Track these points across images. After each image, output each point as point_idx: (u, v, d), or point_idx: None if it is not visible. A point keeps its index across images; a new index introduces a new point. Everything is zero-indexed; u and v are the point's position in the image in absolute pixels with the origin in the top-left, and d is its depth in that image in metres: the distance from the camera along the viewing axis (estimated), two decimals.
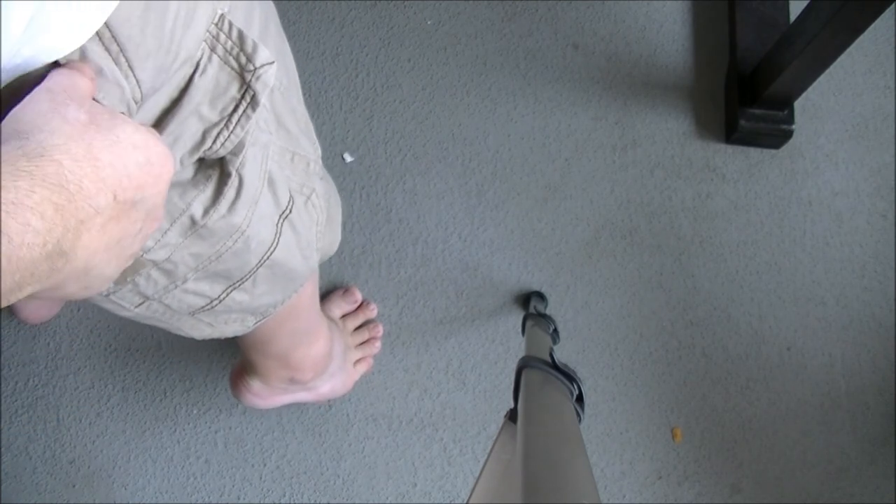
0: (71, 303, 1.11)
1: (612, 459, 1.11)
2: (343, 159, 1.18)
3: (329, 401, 1.10)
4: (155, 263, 0.51)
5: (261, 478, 1.08)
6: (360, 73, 1.23)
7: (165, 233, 0.49)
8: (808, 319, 1.16)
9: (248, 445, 1.09)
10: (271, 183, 0.55)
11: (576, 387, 0.58)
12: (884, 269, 1.18)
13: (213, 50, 0.43)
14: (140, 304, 0.55)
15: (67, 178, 0.29)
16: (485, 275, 1.15)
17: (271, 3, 0.59)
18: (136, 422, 1.10)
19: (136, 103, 0.39)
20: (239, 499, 1.08)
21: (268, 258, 0.59)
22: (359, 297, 1.12)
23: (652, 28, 1.28)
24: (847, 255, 1.19)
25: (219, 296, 0.59)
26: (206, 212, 0.49)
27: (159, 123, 0.43)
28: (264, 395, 0.99)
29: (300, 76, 0.65)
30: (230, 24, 0.44)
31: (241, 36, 0.44)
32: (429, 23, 1.26)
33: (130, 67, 0.37)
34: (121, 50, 0.36)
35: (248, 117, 0.46)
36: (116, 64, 0.36)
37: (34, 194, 0.27)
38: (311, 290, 0.82)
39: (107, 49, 0.36)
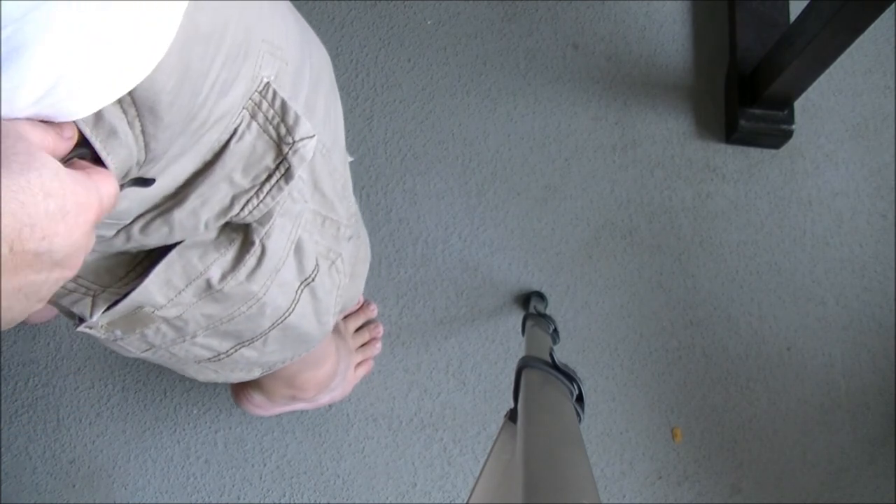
0: None
1: (612, 459, 1.11)
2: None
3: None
4: (165, 319, 0.50)
5: (261, 478, 1.08)
6: (360, 73, 1.23)
7: (180, 292, 0.48)
8: (808, 319, 1.16)
9: (248, 445, 1.09)
10: (298, 250, 0.54)
11: (576, 387, 0.58)
12: (884, 269, 1.18)
13: (253, 117, 0.42)
14: (146, 351, 0.54)
15: None
16: (485, 275, 1.15)
17: (326, 60, 0.56)
18: (136, 422, 1.10)
19: (138, 166, 0.37)
20: (239, 499, 1.08)
21: (281, 322, 0.57)
22: (360, 298, 1.12)
23: (652, 28, 1.28)
24: (847, 255, 1.19)
25: (227, 351, 0.58)
26: (223, 277, 0.48)
27: (189, 184, 0.42)
28: (266, 407, 1.00)
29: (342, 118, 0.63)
30: (274, 93, 0.42)
31: (283, 106, 0.43)
32: (429, 23, 1.26)
33: (143, 133, 0.35)
34: (138, 115, 0.34)
35: (280, 189, 0.45)
36: (131, 128, 0.35)
37: None
38: None
39: (124, 112, 0.34)
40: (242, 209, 0.44)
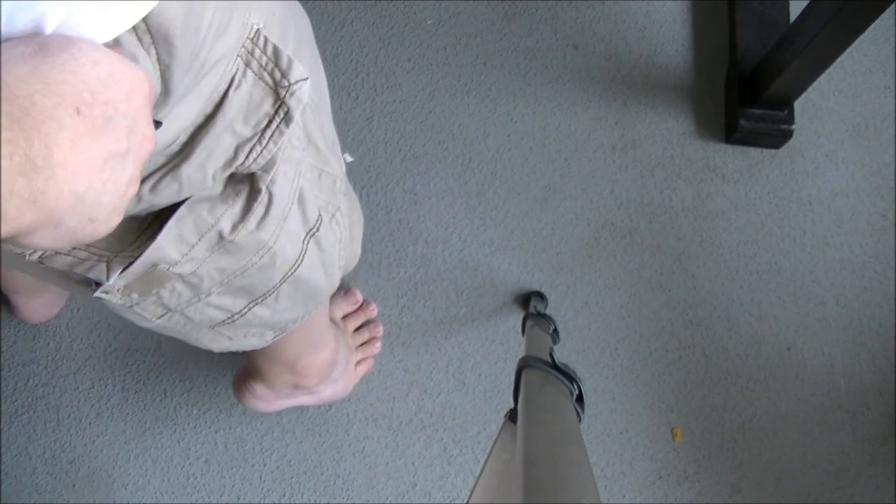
0: (71, 303, 1.11)
1: (612, 459, 1.11)
2: (343, 159, 1.18)
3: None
4: (180, 276, 0.50)
5: (261, 478, 1.08)
6: (360, 73, 1.23)
7: (193, 247, 0.49)
8: (808, 319, 1.16)
9: (248, 445, 1.09)
10: (301, 200, 0.55)
11: (576, 387, 0.58)
12: (884, 269, 1.18)
13: (247, 65, 0.43)
14: (162, 316, 0.55)
15: (16, 94, 0.27)
16: (485, 275, 1.15)
17: (306, 20, 0.58)
18: (136, 422, 1.10)
19: (154, 103, 0.38)
20: (239, 499, 1.08)
21: (292, 275, 0.58)
22: (359, 297, 1.12)
23: (652, 28, 1.28)
24: (847, 255, 1.19)
25: (240, 310, 0.59)
26: (234, 227, 0.49)
27: (193, 139, 0.42)
28: (268, 399, 0.99)
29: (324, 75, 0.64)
30: (265, 40, 0.43)
31: (276, 51, 0.44)
32: (429, 23, 1.26)
33: (159, 62, 0.36)
34: (153, 43, 0.36)
35: (281, 133, 0.46)
36: (148, 55, 0.36)
37: None
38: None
39: (139, 39, 0.35)
40: (247, 157, 0.45)
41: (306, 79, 0.45)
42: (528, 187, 1.19)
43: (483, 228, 1.17)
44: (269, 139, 0.45)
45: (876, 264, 1.19)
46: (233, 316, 0.59)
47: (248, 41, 0.43)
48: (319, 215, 0.59)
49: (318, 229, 0.59)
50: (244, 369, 0.98)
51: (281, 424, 1.09)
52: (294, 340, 0.83)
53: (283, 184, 0.50)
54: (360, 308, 1.12)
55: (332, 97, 1.21)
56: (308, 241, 0.58)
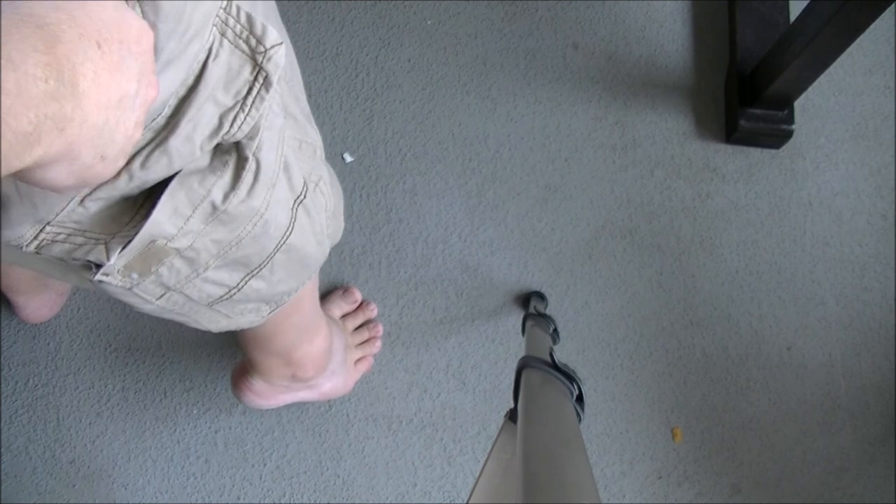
0: (71, 302, 1.11)
1: (612, 459, 1.11)
2: (343, 159, 1.18)
3: (329, 401, 1.10)
4: (178, 252, 0.51)
5: (261, 478, 1.08)
6: (360, 73, 1.23)
7: (188, 219, 0.50)
8: (808, 319, 1.16)
9: (248, 445, 1.09)
10: (286, 168, 0.56)
11: (576, 387, 0.58)
12: (884, 269, 1.18)
13: (223, 35, 0.44)
14: (161, 296, 0.56)
15: (46, 21, 0.28)
16: (485, 275, 1.15)
17: (272, 3, 0.59)
18: (136, 422, 1.10)
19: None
20: (239, 499, 1.08)
21: (284, 243, 0.60)
22: (358, 296, 1.12)
23: (652, 28, 1.28)
24: (847, 255, 1.19)
25: (237, 284, 0.60)
26: (225, 197, 0.50)
27: (178, 111, 0.43)
28: (267, 394, 0.99)
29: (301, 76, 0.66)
30: (238, 8, 0.44)
31: (249, 19, 0.45)
32: (429, 23, 1.26)
33: (144, 18, 0.37)
34: (139, 2, 0.36)
35: (263, 99, 0.46)
36: (133, 9, 0.36)
37: (20, 30, 0.27)
38: (312, 285, 0.82)
39: None
40: (231, 126, 0.46)
41: (281, 43, 0.46)
42: (528, 187, 1.19)
43: (483, 228, 1.17)
44: (252, 106, 0.46)
45: (876, 264, 1.19)
46: (230, 291, 0.60)
47: (222, 11, 0.43)
48: (305, 183, 0.60)
49: (305, 196, 0.60)
50: (241, 366, 0.98)
51: (281, 424, 1.09)
52: (286, 328, 0.83)
53: (268, 150, 0.51)
54: (359, 307, 1.12)
55: (332, 97, 1.21)
56: (297, 209, 0.60)
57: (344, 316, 1.11)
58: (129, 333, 1.11)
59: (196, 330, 1.12)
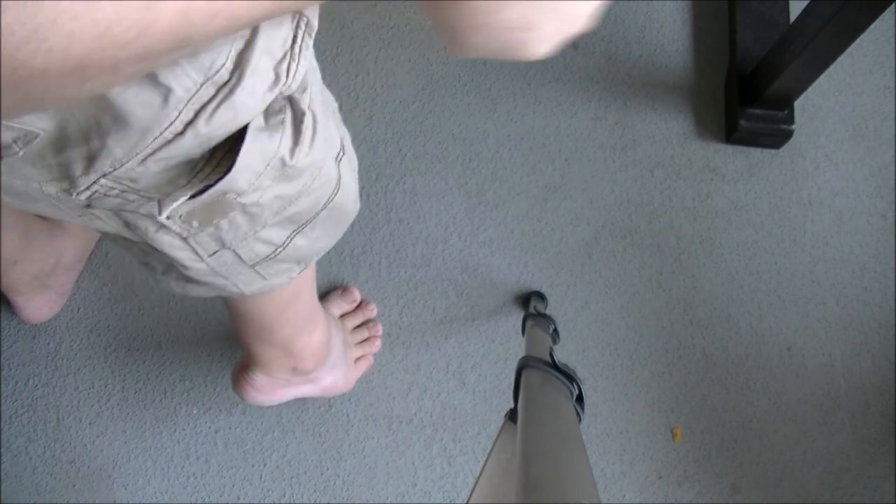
0: (71, 302, 1.11)
1: (612, 459, 1.11)
2: None
3: (329, 400, 1.10)
4: (244, 207, 0.52)
5: (261, 478, 1.08)
6: (360, 73, 1.23)
7: (260, 175, 0.50)
8: (808, 319, 1.16)
9: (248, 445, 1.09)
10: (325, 127, 0.57)
11: (576, 387, 0.58)
12: (884, 269, 1.18)
13: None
14: (214, 253, 0.57)
15: None
16: (485, 275, 1.15)
17: None
18: (136, 422, 1.10)
19: None
20: (239, 499, 1.08)
21: (333, 199, 0.62)
22: (357, 296, 1.12)
23: (652, 28, 1.28)
24: (847, 255, 1.19)
25: (283, 242, 0.61)
26: (292, 152, 0.51)
27: (238, 65, 0.43)
28: (268, 388, 0.98)
29: None
30: None
31: None
32: (429, 23, 1.26)
33: None
34: None
35: (307, 46, 0.47)
36: None
37: None
38: (311, 275, 0.83)
39: None
40: (287, 76, 0.46)
41: None
42: (528, 187, 1.19)
43: (483, 228, 1.17)
44: (300, 53, 0.47)
45: (876, 264, 1.19)
46: (276, 250, 0.62)
47: None
48: (341, 140, 0.62)
49: (344, 152, 0.62)
50: (242, 363, 0.98)
51: (281, 424, 1.09)
52: (286, 318, 0.84)
53: (317, 105, 0.52)
54: (358, 307, 1.12)
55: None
56: (340, 164, 0.61)
57: (343, 315, 1.11)
58: (129, 333, 1.11)
59: (196, 330, 1.13)
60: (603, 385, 1.13)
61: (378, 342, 1.11)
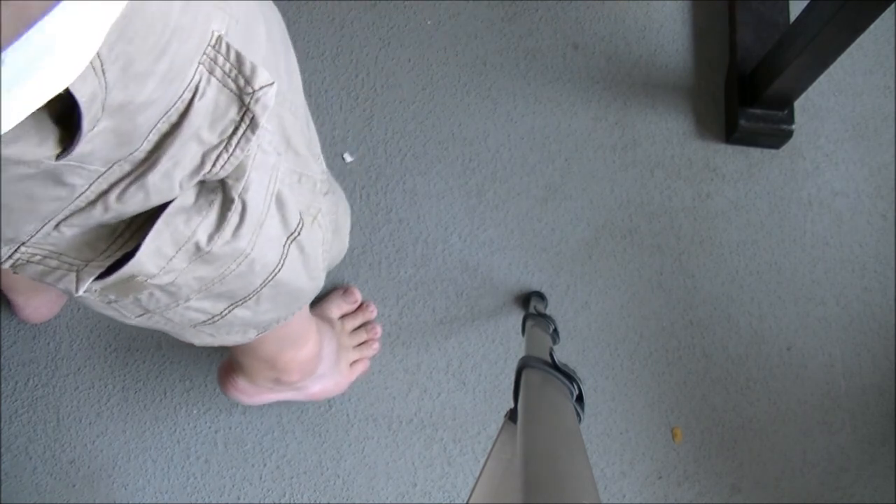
0: (71, 302, 1.11)
1: (612, 459, 1.11)
2: (343, 159, 1.18)
3: (329, 400, 1.10)
4: (158, 286, 0.50)
5: (261, 478, 1.08)
6: (360, 73, 1.23)
7: (170, 259, 0.48)
8: (808, 319, 1.16)
9: (248, 445, 1.09)
10: (281, 205, 0.54)
11: (576, 387, 0.58)
12: (884, 269, 1.18)
13: (211, 72, 0.42)
14: (141, 315, 0.55)
15: None
16: (485, 275, 1.15)
17: (278, 19, 0.57)
18: (136, 422, 1.10)
19: (102, 108, 0.37)
20: (239, 499, 1.08)
21: (272, 279, 0.58)
22: (358, 297, 1.12)
23: (652, 28, 1.28)
24: (847, 255, 1.19)
25: (221, 312, 0.59)
26: (210, 238, 0.49)
27: (160, 147, 0.42)
28: (251, 392, 0.99)
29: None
30: (227, 46, 0.43)
31: (238, 58, 0.43)
32: (429, 23, 1.26)
33: (102, 65, 0.35)
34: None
35: (248, 140, 0.45)
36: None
37: None
38: None
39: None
40: (214, 165, 0.45)
41: (272, 84, 0.44)
42: (528, 187, 1.19)
43: (483, 228, 1.17)
44: (236, 146, 0.45)
45: (876, 264, 1.19)
46: (213, 317, 0.59)
47: (211, 48, 0.42)
48: (301, 219, 0.59)
49: (299, 233, 0.59)
50: (227, 363, 0.98)
51: (281, 424, 1.09)
52: (273, 337, 0.82)
53: (256, 191, 0.50)
54: (358, 308, 1.12)
55: (332, 97, 1.21)
56: (289, 245, 0.58)
57: (343, 316, 1.11)
58: (129, 333, 1.11)
59: None
60: (603, 385, 1.13)
61: (377, 345, 1.11)
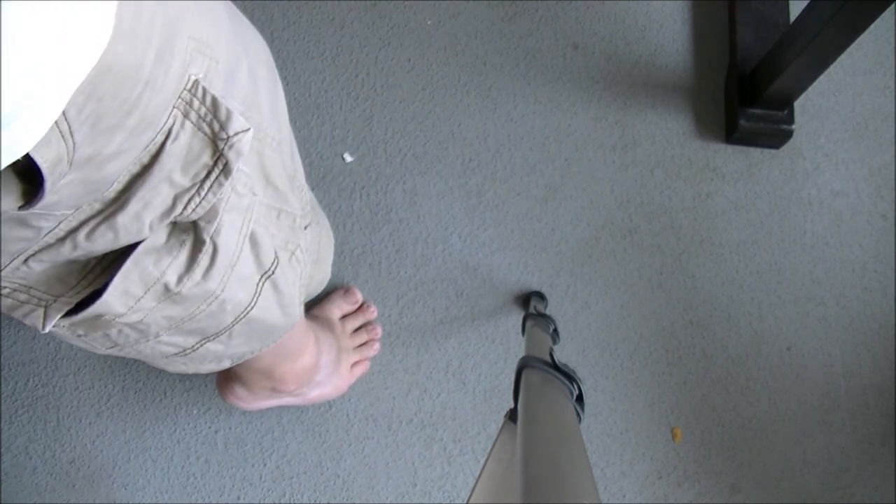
0: None
1: (612, 459, 1.11)
2: (343, 159, 1.18)
3: (329, 400, 1.10)
4: (126, 324, 0.50)
5: (261, 478, 1.08)
6: (360, 73, 1.23)
7: (139, 300, 0.48)
8: (808, 319, 1.16)
9: (248, 445, 1.09)
10: (255, 245, 0.54)
11: (576, 387, 0.58)
12: (884, 269, 1.18)
13: (185, 116, 0.42)
14: (111, 348, 0.54)
15: None
16: (485, 275, 1.15)
17: (266, 54, 0.57)
18: (136, 422, 1.10)
19: (70, 165, 0.36)
20: (239, 499, 1.08)
21: (244, 317, 0.58)
22: (359, 297, 1.12)
23: (652, 28, 1.28)
24: (847, 255, 1.19)
25: (192, 346, 0.58)
26: (179, 279, 0.49)
27: (130, 188, 0.41)
28: (248, 399, 0.99)
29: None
30: (204, 91, 0.42)
31: (215, 103, 0.43)
32: (429, 23, 1.26)
33: (69, 127, 0.34)
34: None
35: (221, 184, 0.45)
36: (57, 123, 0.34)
37: None
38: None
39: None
40: (185, 208, 0.44)
41: (247, 130, 0.44)
42: (528, 187, 1.19)
43: (483, 228, 1.17)
44: (209, 190, 0.45)
45: (876, 264, 1.19)
46: (185, 350, 0.59)
47: (187, 92, 0.41)
48: (276, 256, 0.58)
49: (273, 271, 0.58)
50: (225, 371, 0.98)
51: (281, 424, 1.09)
52: (267, 352, 0.81)
53: (228, 233, 0.49)
54: (359, 309, 1.12)
55: (332, 97, 1.21)
56: (263, 284, 0.58)
57: (343, 317, 1.11)
58: None
59: None
60: (603, 385, 1.13)
61: (377, 345, 1.11)
